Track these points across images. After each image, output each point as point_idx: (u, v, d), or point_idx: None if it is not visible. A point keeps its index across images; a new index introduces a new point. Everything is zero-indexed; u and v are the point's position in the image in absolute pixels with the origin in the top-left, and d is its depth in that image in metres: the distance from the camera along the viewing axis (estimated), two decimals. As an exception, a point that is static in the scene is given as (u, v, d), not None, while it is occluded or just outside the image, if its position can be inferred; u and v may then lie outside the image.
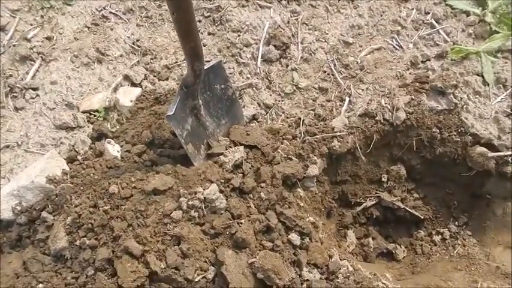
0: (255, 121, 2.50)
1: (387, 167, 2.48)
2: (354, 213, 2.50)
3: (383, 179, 2.48)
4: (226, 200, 1.96)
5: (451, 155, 2.34)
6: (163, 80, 2.68)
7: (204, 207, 1.91)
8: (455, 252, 2.32)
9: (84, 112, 2.56)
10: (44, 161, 2.26)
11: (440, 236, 2.43)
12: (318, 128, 2.34)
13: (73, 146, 2.41)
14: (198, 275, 1.82)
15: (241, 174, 2.09)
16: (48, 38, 2.79)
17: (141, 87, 2.66)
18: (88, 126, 2.52)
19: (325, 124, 2.35)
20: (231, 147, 2.18)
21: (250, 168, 2.12)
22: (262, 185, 2.05)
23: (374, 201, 2.49)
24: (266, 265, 1.80)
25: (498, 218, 2.31)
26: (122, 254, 1.82)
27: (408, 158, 2.44)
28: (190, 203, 1.90)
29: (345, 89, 2.50)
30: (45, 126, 2.51)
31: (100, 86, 2.67)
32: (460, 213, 2.46)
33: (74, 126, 2.50)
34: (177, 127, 2.03)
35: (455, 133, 2.30)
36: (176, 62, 2.75)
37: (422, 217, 2.47)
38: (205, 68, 2.00)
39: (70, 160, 2.34)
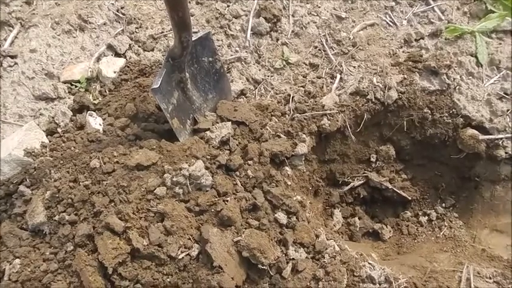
0: (243, 96, 2.43)
1: (376, 147, 2.45)
2: (341, 193, 2.48)
3: (372, 159, 2.45)
4: (212, 177, 1.91)
5: (442, 137, 2.32)
6: (148, 51, 2.58)
7: (189, 184, 1.86)
8: (441, 233, 2.32)
9: (65, 82, 2.46)
10: (22, 133, 2.17)
11: (426, 217, 2.43)
12: (307, 105, 2.28)
13: (53, 117, 2.32)
14: (182, 252, 1.80)
15: (228, 151, 2.04)
16: (28, 3, 2.66)
17: (125, 57, 2.57)
18: (69, 98, 2.42)
19: (315, 101, 2.30)
20: (218, 122, 2.12)
21: (237, 145, 2.07)
22: (250, 162, 2.00)
23: (362, 181, 2.47)
24: (252, 244, 1.77)
25: (486, 201, 2.31)
26: (103, 230, 1.78)
27: (398, 138, 2.41)
28: (174, 179, 1.85)
29: (336, 66, 2.44)
30: (24, 96, 2.40)
31: (82, 55, 2.56)
32: (447, 195, 2.46)
33: (54, 97, 2.40)
34: (162, 101, 1.95)
35: (446, 114, 2.27)
36: (162, 32, 2.64)
37: (409, 198, 2.46)
38: (193, 39, 1.92)
39: (50, 132, 2.26)
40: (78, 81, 2.44)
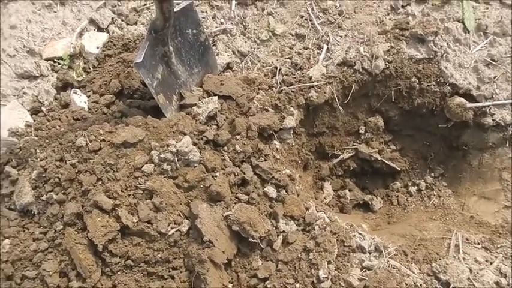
0: (229, 70, 2.40)
1: (365, 118, 2.43)
2: (330, 166, 2.48)
3: (360, 131, 2.44)
4: (200, 152, 1.90)
5: (430, 106, 2.31)
6: (131, 25, 2.53)
7: (177, 160, 1.85)
8: (430, 202, 2.34)
9: (47, 59, 2.41)
10: (5, 112, 2.15)
11: (416, 187, 2.44)
12: (294, 77, 2.25)
13: (36, 96, 2.28)
14: (172, 228, 1.81)
15: (215, 126, 2.02)
16: (5, -23, 2.57)
17: (108, 32, 2.51)
18: (52, 75, 2.38)
19: (302, 73, 2.27)
20: (204, 97, 2.09)
21: (224, 119, 2.05)
22: (237, 137, 1.98)
23: (351, 153, 2.47)
24: (241, 218, 1.78)
25: (474, 169, 2.31)
26: (92, 209, 1.78)
27: (386, 109, 2.40)
28: (162, 156, 1.84)
29: (322, 36, 2.40)
30: (6, 75, 2.34)
31: (64, 30, 2.49)
32: (436, 164, 2.46)
33: (37, 75, 2.35)
34: (146, 76, 1.92)
35: (434, 83, 2.26)
36: (145, 5, 2.58)
37: (399, 169, 2.47)
38: (175, 10, 1.88)
39: (34, 111, 2.24)
40: (61, 58, 2.39)
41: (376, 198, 2.47)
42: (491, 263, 1.83)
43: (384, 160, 2.44)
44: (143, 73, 1.90)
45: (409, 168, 2.50)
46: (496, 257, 1.86)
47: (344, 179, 2.52)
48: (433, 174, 2.45)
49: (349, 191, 2.47)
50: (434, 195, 2.36)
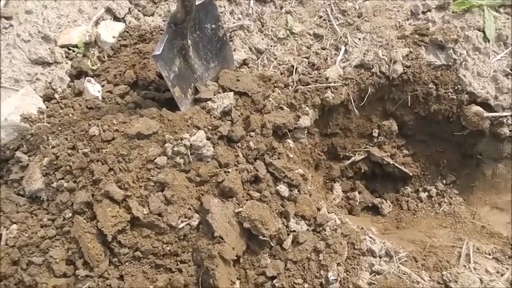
0: (245, 66, 2.38)
1: (379, 121, 2.42)
2: (341, 167, 2.47)
3: (374, 134, 2.43)
4: (214, 147, 1.89)
5: (446, 113, 2.29)
6: (148, 16, 2.51)
7: (190, 154, 1.84)
8: (441, 209, 2.32)
9: (62, 46, 2.38)
10: (18, 97, 2.12)
11: (427, 193, 2.43)
12: (311, 77, 2.24)
13: (50, 83, 2.26)
14: (182, 222, 1.79)
15: (229, 122, 2.00)
16: (22, -39, 2.55)
17: (124, 22, 2.49)
18: (66, 63, 2.36)
19: (319, 73, 2.25)
20: (219, 92, 2.08)
21: (239, 115, 2.03)
22: (252, 134, 1.97)
23: (363, 156, 2.45)
24: (253, 215, 1.77)
25: (487, 178, 2.30)
26: (102, 198, 1.77)
27: (401, 113, 2.38)
28: (175, 149, 1.83)
29: (341, 37, 2.38)
30: (20, 60, 2.32)
31: (80, 18, 2.47)
32: (448, 171, 2.45)
33: (51, 61, 2.33)
34: (163, 68, 1.90)
35: (451, 90, 2.24)
36: (163, -4, 2.57)
37: (410, 174, 2.45)
38: (196, 4, 1.86)
39: (47, 98, 2.21)
40: (76, 46, 2.37)
41: (386, 202, 2.46)
42: (502, 275, 1.82)
43: (395, 164, 2.42)
44: (161, 65, 1.88)
45: (420, 173, 2.49)
46: (507, 268, 1.84)
47: (354, 181, 2.51)
48: (444, 181, 2.44)
49: (359, 193, 2.46)
50: (445, 202, 2.34)
